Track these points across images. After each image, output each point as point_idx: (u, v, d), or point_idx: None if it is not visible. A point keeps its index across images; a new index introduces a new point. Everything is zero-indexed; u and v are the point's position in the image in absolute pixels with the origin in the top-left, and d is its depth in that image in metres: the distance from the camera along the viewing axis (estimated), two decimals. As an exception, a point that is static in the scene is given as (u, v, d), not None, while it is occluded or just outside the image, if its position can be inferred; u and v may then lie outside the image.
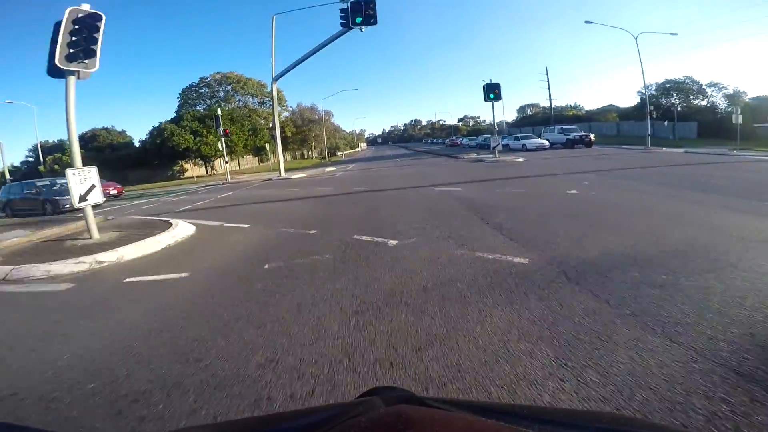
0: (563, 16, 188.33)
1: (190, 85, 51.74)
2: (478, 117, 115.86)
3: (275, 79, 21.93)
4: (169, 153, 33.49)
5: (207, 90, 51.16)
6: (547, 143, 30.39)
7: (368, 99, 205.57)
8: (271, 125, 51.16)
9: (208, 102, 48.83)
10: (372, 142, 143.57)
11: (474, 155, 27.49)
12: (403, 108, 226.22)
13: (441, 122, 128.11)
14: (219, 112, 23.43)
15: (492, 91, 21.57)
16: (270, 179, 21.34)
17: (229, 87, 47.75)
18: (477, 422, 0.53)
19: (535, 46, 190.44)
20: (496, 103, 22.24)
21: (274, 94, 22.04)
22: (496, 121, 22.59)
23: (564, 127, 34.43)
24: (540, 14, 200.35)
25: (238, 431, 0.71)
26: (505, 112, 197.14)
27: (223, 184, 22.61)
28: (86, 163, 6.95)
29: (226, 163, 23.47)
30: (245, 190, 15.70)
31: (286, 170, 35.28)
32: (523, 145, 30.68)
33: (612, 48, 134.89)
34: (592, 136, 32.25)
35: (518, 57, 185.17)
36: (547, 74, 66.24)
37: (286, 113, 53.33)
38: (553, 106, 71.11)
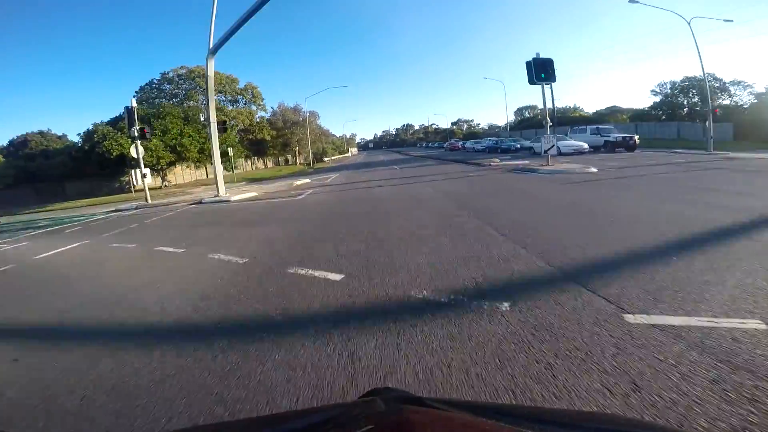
0: (558, 16, 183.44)
1: (150, 82, 43.38)
2: (472, 120, 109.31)
3: (212, 52, 13.98)
4: (99, 161, 25.18)
5: (170, 86, 42.82)
6: (585, 146, 22.98)
7: (359, 104, 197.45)
8: (246, 125, 42.54)
9: (171, 101, 40.45)
10: (364, 147, 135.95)
11: (497, 161, 19.88)
12: (394, 113, 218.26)
13: (434, 126, 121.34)
14: (133, 104, 15.27)
15: (543, 70, 14.02)
16: (201, 201, 13.36)
17: (193, 83, 39.56)
18: (476, 422, 0.51)
19: (528, 47, 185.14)
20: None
21: (210, 73, 13.99)
22: (547, 108, 14.98)
23: (600, 126, 27.17)
24: (533, 15, 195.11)
25: (239, 431, 0.67)
26: (501, 114, 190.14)
27: (136, 208, 14.57)
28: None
29: (144, 176, 15.31)
30: (106, 236, 7.67)
31: (249, 181, 26.87)
32: (556, 147, 23.28)
33: (611, 47, 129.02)
34: (636, 137, 25.18)
35: (510, 59, 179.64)
36: None
37: (262, 113, 45.23)
38: (554, 107, 64.38)
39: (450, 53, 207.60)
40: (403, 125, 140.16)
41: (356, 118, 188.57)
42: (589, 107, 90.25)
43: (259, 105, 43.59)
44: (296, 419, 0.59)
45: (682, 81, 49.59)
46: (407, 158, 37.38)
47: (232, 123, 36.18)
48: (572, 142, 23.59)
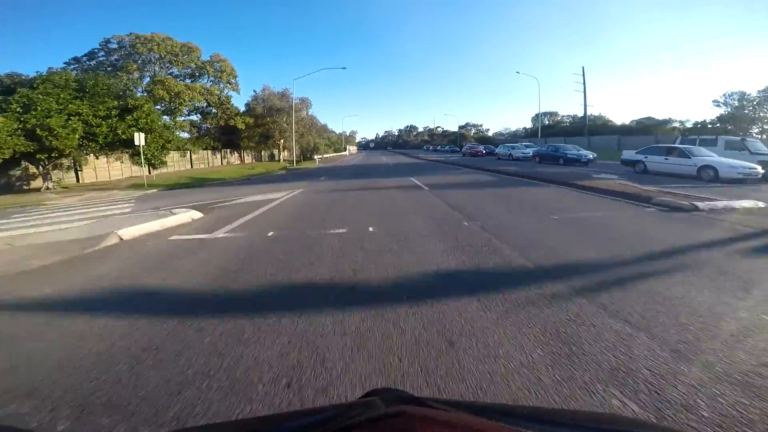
0: (571, 23, 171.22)
1: (90, 52, 31.61)
2: (481, 125, 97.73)
3: None
4: None
5: (115, 57, 31.05)
6: (759, 169, 11.85)
7: (361, 104, 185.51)
8: (202, 106, 28.19)
9: (108, 72, 28.75)
10: (364, 146, 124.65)
11: (656, 189, 8.82)
12: (396, 114, 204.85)
13: (439, 128, 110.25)
14: None
15: None
16: None
17: (134, 50, 27.90)
18: (477, 423, 0.51)
19: (539, 55, 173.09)
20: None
21: None
22: None
23: (748, 139, 16.06)
24: (546, 23, 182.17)
25: (238, 431, 0.65)
26: (511, 120, 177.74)
27: None
28: None
29: None
30: None
31: (166, 188, 13.61)
32: (706, 168, 12.20)
33: (635, 54, 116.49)
34: (819, 160, 13.89)
35: (519, 67, 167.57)
36: (583, 76, 48.47)
37: (232, 92, 33.50)
38: (586, 113, 53.50)
39: (456, 57, 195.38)
40: (406, 127, 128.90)
41: (356, 114, 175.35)
42: (616, 117, 77.73)
43: (230, 84, 32.03)
44: (295, 419, 0.56)
45: (763, 91, 38.63)
46: (422, 164, 25.99)
47: (169, 103, 24.76)
48: (736, 162, 12.37)
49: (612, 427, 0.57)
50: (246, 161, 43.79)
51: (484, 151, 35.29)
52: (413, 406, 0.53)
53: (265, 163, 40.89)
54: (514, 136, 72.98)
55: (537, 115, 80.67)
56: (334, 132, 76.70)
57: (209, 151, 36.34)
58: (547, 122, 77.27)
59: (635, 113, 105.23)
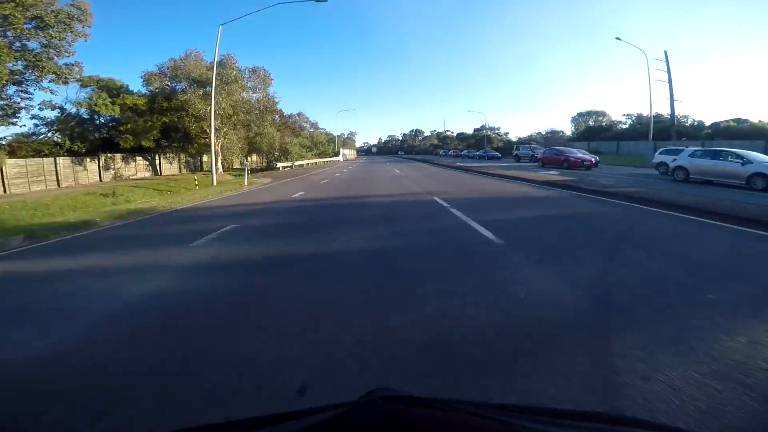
0: (579, 30, 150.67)
1: None
2: (499, 128, 78.47)
3: None
4: None
5: None
6: None
7: (363, 107, 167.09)
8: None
9: None
10: (366, 151, 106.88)
11: None
12: (399, 119, 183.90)
13: (449, 132, 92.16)
14: None
15: None
16: None
17: None
18: (476, 422, 0.49)
19: (550, 55, 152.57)
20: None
21: None
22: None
23: None
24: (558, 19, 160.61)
25: (237, 431, 0.62)
26: (539, 124, 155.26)
27: None
28: None
29: None
30: None
31: None
32: None
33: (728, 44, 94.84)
34: None
35: (527, 67, 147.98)
36: (666, 62, 29.09)
37: (76, 38, 14.89)
38: (673, 111, 33.98)
39: (463, 57, 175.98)
40: (411, 131, 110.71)
41: (360, 124, 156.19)
42: (698, 117, 55.35)
43: (64, 24, 13.71)
44: (295, 419, 0.54)
45: None
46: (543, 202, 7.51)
47: None
48: None
49: (612, 427, 0.54)
50: (167, 172, 25.39)
51: (593, 160, 16.90)
52: (413, 407, 0.50)
53: (182, 178, 21.95)
54: (533, 140, 55.80)
55: (577, 115, 62.17)
56: (330, 133, 58.37)
57: (66, 159, 18.20)
58: (591, 123, 59.03)
59: (718, 113, 78.33)
